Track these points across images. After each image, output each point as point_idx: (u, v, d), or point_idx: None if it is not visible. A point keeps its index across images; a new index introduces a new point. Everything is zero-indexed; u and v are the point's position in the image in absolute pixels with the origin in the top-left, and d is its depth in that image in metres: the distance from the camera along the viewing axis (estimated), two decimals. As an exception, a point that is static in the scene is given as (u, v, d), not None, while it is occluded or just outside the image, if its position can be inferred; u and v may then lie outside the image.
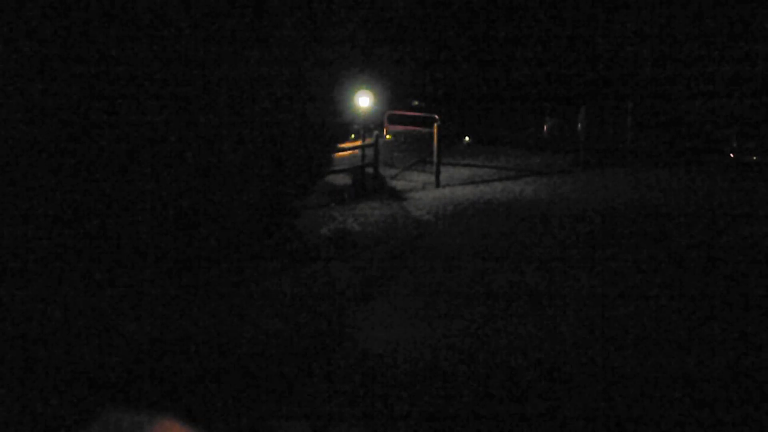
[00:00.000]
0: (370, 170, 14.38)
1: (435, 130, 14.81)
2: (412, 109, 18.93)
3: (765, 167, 13.98)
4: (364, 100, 14.95)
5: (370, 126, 16.43)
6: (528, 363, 6.41)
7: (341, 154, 14.06)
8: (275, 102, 8.82)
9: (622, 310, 7.36)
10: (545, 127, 17.76)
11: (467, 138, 19.99)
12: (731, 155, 14.29)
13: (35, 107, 6.71)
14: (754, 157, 14.06)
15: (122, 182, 7.65)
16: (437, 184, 14.24)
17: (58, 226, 7.27)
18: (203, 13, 7.72)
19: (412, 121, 18.18)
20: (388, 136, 17.95)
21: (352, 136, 16.09)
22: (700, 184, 13.24)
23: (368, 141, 14.76)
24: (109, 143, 7.43)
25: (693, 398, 5.30)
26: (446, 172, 15.15)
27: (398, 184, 14.50)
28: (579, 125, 15.86)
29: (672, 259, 8.88)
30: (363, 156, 14.51)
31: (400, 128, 18.11)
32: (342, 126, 11.77)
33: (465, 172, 15.61)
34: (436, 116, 15.46)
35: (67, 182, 7.14)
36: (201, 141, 8.06)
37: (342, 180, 13.95)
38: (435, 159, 14.59)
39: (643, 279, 8.26)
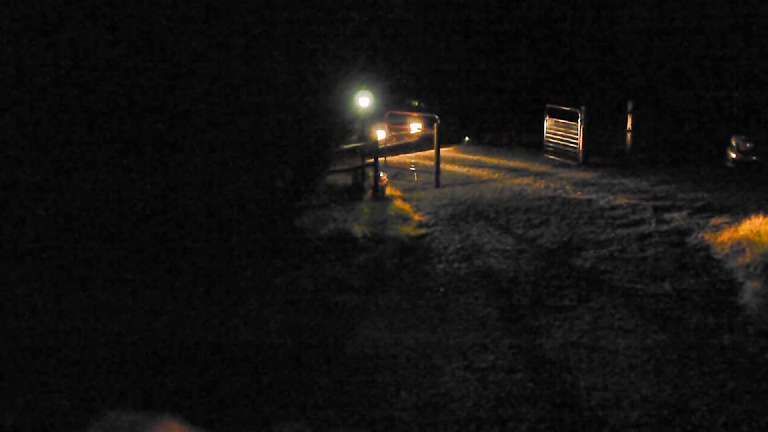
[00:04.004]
0: (370, 170, 14.37)
1: (435, 130, 14.83)
2: (412, 109, 18.95)
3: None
4: (364, 100, 14.93)
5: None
6: (526, 364, 6.42)
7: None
8: (275, 102, 8.82)
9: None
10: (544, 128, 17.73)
11: (467, 138, 19.99)
12: (734, 155, 14.24)
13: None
14: (754, 158, 14.03)
15: (121, 182, 7.65)
16: (437, 184, 14.24)
17: (58, 225, 7.27)
18: (204, 15, 7.73)
19: (413, 121, 18.21)
20: (388, 136, 17.99)
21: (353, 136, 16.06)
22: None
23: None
24: (109, 143, 7.44)
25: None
26: (446, 172, 15.15)
27: (398, 184, 14.51)
28: (579, 125, 15.86)
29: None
30: (363, 156, 14.50)
31: (400, 128, 18.19)
32: (342, 126, 11.77)
33: (465, 172, 15.61)
34: (437, 116, 15.49)
35: (72, 183, 7.15)
36: (201, 141, 8.06)
37: (342, 180, 13.95)
38: (435, 159, 14.60)
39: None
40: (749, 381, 5.94)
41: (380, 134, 17.55)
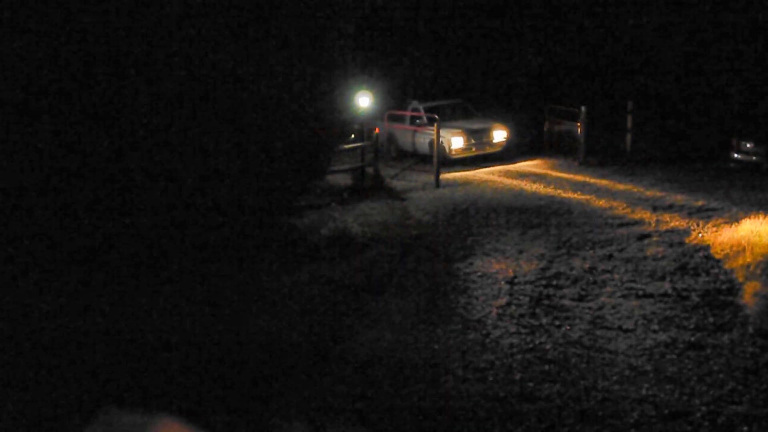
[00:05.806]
0: (370, 170, 14.38)
1: (435, 130, 14.82)
2: (412, 109, 18.90)
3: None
4: (364, 100, 14.93)
5: (370, 126, 16.41)
6: (530, 371, 6.42)
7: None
8: (275, 102, 8.83)
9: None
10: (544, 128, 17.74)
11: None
12: (734, 155, 14.22)
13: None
14: (755, 158, 14.01)
15: (121, 182, 7.65)
16: (437, 184, 14.22)
17: (60, 228, 7.27)
18: (208, 19, 7.75)
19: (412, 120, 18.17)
20: (388, 136, 17.96)
21: (352, 136, 16.10)
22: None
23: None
24: (108, 144, 7.44)
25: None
26: (446, 172, 15.14)
27: (398, 184, 14.49)
28: (579, 125, 15.85)
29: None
30: (363, 156, 14.51)
31: (482, 137, 17.80)
32: (342, 126, 11.77)
33: (464, 172, 15.60)
34: (436, 116, 15.47)
35: (75, 188, 7.16)
36: (202, 142, 8.07)
37: (342, 180, 13.95)
38: (435, 159, 14.58)
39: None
40: (749, 381, 5.94)
41: (456, 142, 16.27)
